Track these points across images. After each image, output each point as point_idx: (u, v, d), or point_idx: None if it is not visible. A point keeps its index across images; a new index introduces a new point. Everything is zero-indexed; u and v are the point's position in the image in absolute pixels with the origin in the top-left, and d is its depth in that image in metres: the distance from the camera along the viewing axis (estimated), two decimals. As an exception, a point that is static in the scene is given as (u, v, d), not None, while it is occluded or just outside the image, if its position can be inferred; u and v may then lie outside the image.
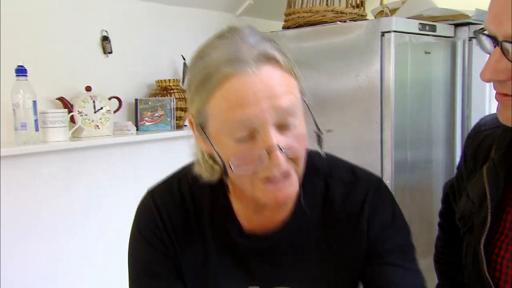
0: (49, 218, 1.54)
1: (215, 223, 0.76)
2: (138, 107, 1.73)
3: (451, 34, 1.88)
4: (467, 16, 1.81)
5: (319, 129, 0.66)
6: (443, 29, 1.82)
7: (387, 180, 1.69)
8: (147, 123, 1.73)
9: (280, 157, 0.59)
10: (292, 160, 0.63)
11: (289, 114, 0.61)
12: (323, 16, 1.78)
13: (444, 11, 1.85)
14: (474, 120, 1.91)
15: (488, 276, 0.76)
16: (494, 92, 0.68)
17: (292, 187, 0.65)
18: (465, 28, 1.88)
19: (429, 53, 1.77)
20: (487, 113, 1.82)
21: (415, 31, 1.70)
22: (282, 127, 0.61)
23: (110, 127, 1.66)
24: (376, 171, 1.74)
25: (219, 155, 0.64)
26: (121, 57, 1.71)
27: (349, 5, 1.82)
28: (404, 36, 1.65)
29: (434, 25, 1.77)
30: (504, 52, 0.59)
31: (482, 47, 0.68)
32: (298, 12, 1.84)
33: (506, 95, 0.65)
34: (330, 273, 0.77)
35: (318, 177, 0.76)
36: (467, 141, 0.93)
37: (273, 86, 0.60)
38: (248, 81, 0.59)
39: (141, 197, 0.80)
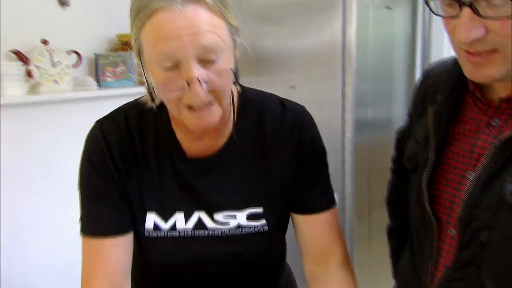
0: (7, 173, 1.52)
1: (160, 149, 0.82)
2: (99, 62, 1.69)
3: (412, -11, 1.91)
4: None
5: (236, 68, 0.74)
6: (404, -16, 1.84)
7: (348, 135, 1.75)
8: (108, 79, 1.70)
9: (199, 88, 0.66)
10: (214, 92, 0.69)
11: (211, 51, 0.67)
12: None
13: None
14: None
15: (429, 208, 0.83)
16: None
17: (212, 116, 0.72)
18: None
19: (390, 8, 1.79)
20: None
21: (376, -14, 1.71)
22: (205, 62, 0.67)
23: (70, 82, 1.63)
24: (337, 128, 1.79)
25: (148, 80, 0.72)
26: (78, 9, 1.66)
27: None
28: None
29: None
30: (475, 11, 0.61)
31: (433, 11, 0.70)
32: None
33: (479, 55, 0.67)
34: (266, 196, 0.85)
35: (252, 108, 0.84)
36: (416, 88, 0.98)
37: (196, 24, 0.65)
38: (173, 17, 0.64)
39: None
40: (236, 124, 0.82)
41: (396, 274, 1.07)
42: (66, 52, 1.61)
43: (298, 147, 0.85)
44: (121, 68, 1.70)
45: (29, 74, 1.53)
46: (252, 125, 0.85)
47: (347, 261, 0.93)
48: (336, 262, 0.92)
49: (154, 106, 0.76)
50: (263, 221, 0.87)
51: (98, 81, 1.70)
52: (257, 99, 0.86)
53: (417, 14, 1.92)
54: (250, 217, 0.87)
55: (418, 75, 2.00)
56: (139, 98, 0.84)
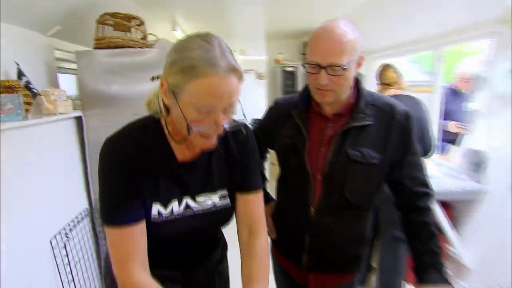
0: None
1: (159, 157, 0.93)
2: (-11, 102, 1.85)
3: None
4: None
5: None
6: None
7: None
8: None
9: (221, 127, 0.83)
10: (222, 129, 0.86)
11: (232, 106, 0.84)
12: (127, 42, 2.35)
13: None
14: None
15: (308, 167, 1.19)
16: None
17: (214, 141, 0.90)
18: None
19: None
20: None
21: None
22: (225, 112, 0.84)
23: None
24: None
25: (184, 116, 0.82)
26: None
27: (140, 37, 2.46)
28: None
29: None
30: (328, 71, 1.04)
31: (307, 70, 1.10)
32: (108, 38, 2.31)
33: (325, 91, 1.09)
34: (229, 182, 1.03)
35: None
36: (270, 111, 1.38)
37: (233, 91, 0.80)
38: (220, 82, 0.78)
39: (103, 145, 0.90)
40: None
41: (279, 207, 1.38)
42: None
43: (244, 145, 1.05)
44: (9, 106, 1.92)
45: None
46: (218, 141, 0.98)
47: (264, 229, 1.08)
48: (259, 232, 1.06)
49: (164, 120, 0.90)
50: (228, 200, 1.03)
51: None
52: None
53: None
54: (221, 197, 1.01)
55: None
56: (139, 122, 0.95)
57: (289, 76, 3.99)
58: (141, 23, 2.44)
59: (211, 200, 0.99)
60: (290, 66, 3.96)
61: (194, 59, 0.78)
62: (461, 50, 3.01)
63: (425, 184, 1.22)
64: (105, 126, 2.38)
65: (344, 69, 1.05)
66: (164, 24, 3.32)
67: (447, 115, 2.96)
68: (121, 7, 2.46)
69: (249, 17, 3.14)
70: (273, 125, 1.30)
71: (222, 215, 1.02)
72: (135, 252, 0.87)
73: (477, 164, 2.39)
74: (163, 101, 0.88)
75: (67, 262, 2.07)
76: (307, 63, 1.10)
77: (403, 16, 2.77)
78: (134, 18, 2.42)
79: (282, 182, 1.37)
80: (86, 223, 2.38)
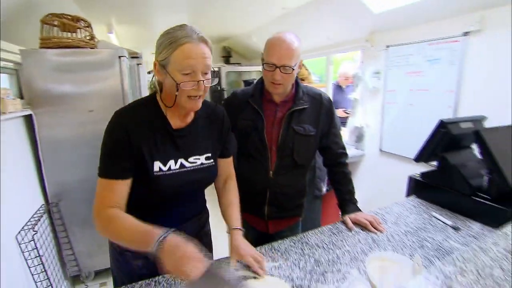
0: None
1: (158, 125, 1.10)
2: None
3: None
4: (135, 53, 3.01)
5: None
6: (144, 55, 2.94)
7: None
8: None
9: (202, 85, 1.02)
10: (204, 89, 1.05)
11: (208, 69, 1.02)
12: (78, 43, 2.42)
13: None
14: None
15: (266, 141, 1.42)
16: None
17: (199, 103, 1.09)
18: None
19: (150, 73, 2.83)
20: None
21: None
22: (204, 73, 1.03)
23: None
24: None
25: (175, 81, 1.01)
26: None
27: (87, 38, 2.54)
28: (130, 60, 2.65)
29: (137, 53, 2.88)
30: (281, 70, 1.29)
31: (265, 68, 1.33)
32: (57, 38, 2.33)
33: (278, 84, 1.32)
34: (212, 147, 1.23)
35: (203, 105, 1.18)
36: (229, 101, 1.54)
37: (204, 53, 1.00)
38: (194, 47, 0.99)
39: (112, 116, 1.07)
40: (196, 112, 1.18)
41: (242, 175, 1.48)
42: None
43: (222, 124, 1.28)
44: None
45: None
46: (205, 113, 1.21)
47: (235, 178, 1.38)
48: (231, 179, 1.36)
49: (160, 99, 1.08)
50: (212, 160, 1.22)
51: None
52: (206, 102, 1.22)
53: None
54: (206, 158, 1.19)
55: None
56: (146, 97, 1.13)
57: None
58: (88, 25, 2.53)
59: (200, 160, 1.18)
60: (215, 67, 4.40)
61: (174, 36, 1.01)
62: (338, 57, 3.94)
63: (343, 148, 1.62)
64: (58, 122, 2.39)
65: (292, 69, 1.33)
66: (100, 26, 3.32)
67: (335, 104, 3.83)
68: (60, 8, 2.48)
69: (175, 23, 3.36)
70: (233, 111, 1.48)
71: (208, 171, 1.22)
72: (114, 201, 1.02)
73: (358, 136, 3.29)
74: (158, 80, 1.09)
75: (36, 254, 2.09)
76: (265, 63, 1.36)
77: (307, 30, 3.50)
78: (81, 19, 2.49)
79: (242, 157, 1.57)
80: (44, 219, 2.36)
